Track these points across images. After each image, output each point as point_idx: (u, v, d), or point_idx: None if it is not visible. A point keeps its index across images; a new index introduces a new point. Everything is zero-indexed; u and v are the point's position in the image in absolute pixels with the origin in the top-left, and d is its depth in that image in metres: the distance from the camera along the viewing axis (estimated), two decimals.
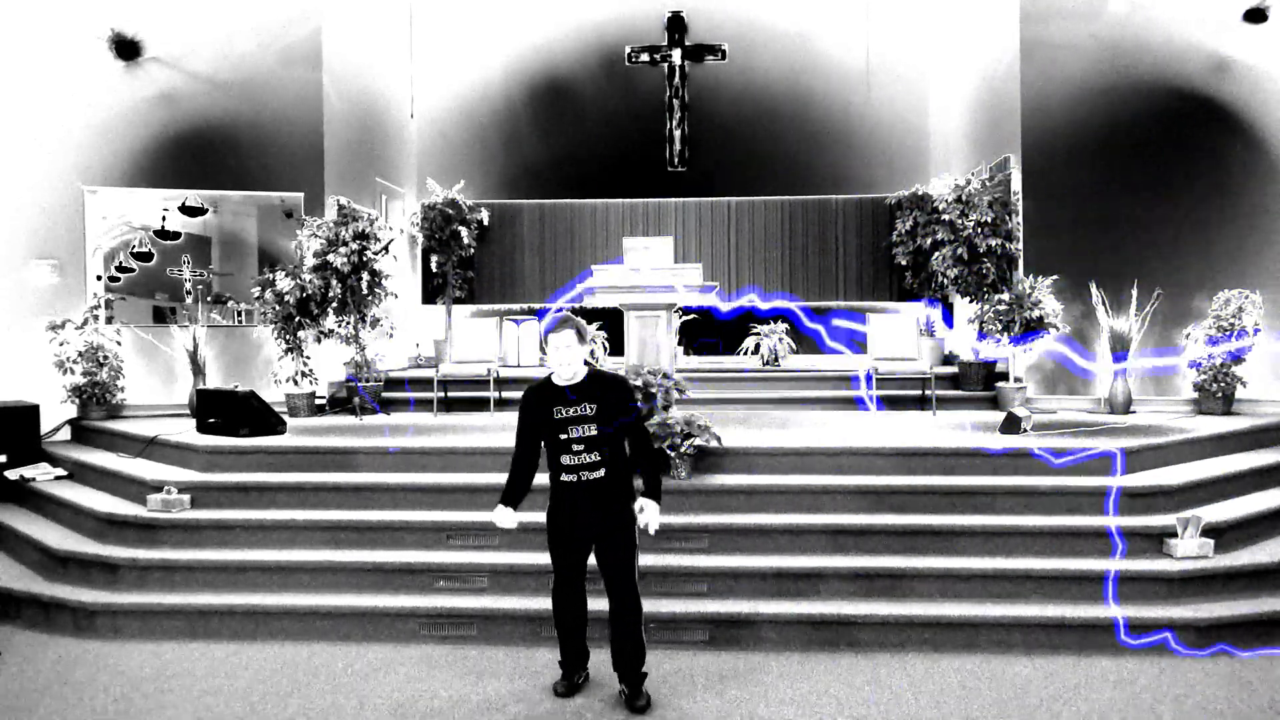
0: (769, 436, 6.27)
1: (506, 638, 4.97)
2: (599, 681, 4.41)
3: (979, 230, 8.10)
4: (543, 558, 5.25)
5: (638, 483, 4.17)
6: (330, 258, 7.82)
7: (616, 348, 9.23)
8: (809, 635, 4.83)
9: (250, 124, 8.45)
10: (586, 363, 4.17)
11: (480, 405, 8.17)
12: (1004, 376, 8.15)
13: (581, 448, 4.05)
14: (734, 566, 5.12)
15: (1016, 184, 8.31)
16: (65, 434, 7.91)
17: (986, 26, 9.17)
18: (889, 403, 8.09)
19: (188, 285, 8.41)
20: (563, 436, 4.06)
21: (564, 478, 4.10)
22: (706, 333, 10.45)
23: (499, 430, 6.87)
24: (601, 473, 4.07)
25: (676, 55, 11.24)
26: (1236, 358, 7.39)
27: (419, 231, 10.45)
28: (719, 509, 5.56)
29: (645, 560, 5.20)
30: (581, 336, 4.10)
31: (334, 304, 7.91)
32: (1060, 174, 8.08)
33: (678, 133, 11.31)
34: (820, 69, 11.15)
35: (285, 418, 7.17)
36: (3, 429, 7.06)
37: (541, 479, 4.29)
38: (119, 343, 8.10)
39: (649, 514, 4.07)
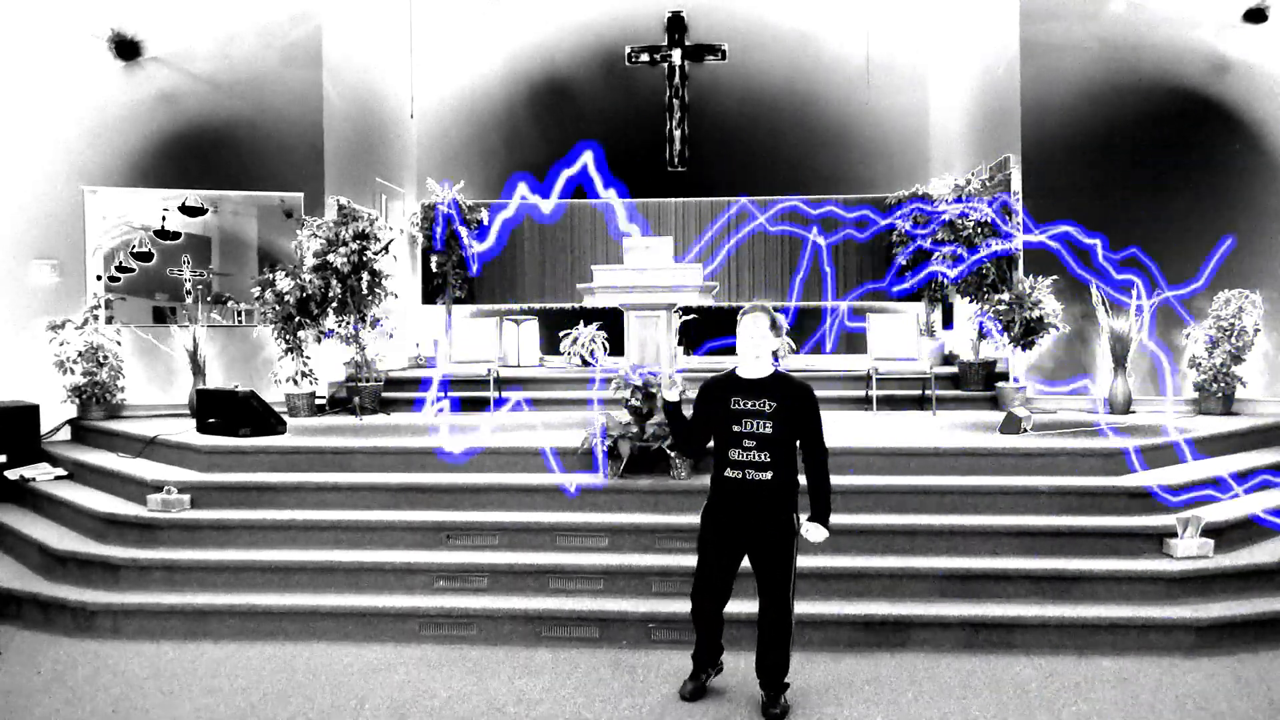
0: None
1: (506, 638, 4.97)
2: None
3: (979, 230, 8.10)
4: (542, 558, 5.28)
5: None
6: (330, 258, 7.82)
7: (616, 347, 9.22)
8: (810, 636, 4.83)
9: (250, 124, 8.45)
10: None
11: (480, 405, 8.17)
12: (1004, 376, 8.15)
13: (753, 444, 3.89)
14: None
15: (1016, 184, 8.30)
16: (65, 434, 7.91)
17: (986, 26, 9.17)
18: (889, 403, 8.09)
19: (188, 285, 8.41)
20: (735, 429, 3.91)
21: (729, 473, 3.94)
22: (707, 332, 10.43)
23: (499, 430, 6.87)
24: (769, 475, 3.89)
25: (676, 55, 11.23)
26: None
27: (419, 231, 10.45)
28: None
29: (648, 561, 5.22)
30: (775, 326, 3.97)
31: (334, 304, 7.91)
32: (1060, 174, 8.08)
33: (678, 133, 11.31)
34: (820, 69, 11.15)
35: (285, 418, 7.17)
36: (3, 429, 7.06)
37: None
38: (119, 343, 8.10)
39: (814, 534, 3.99)
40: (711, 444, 4.12)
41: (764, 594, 4.04)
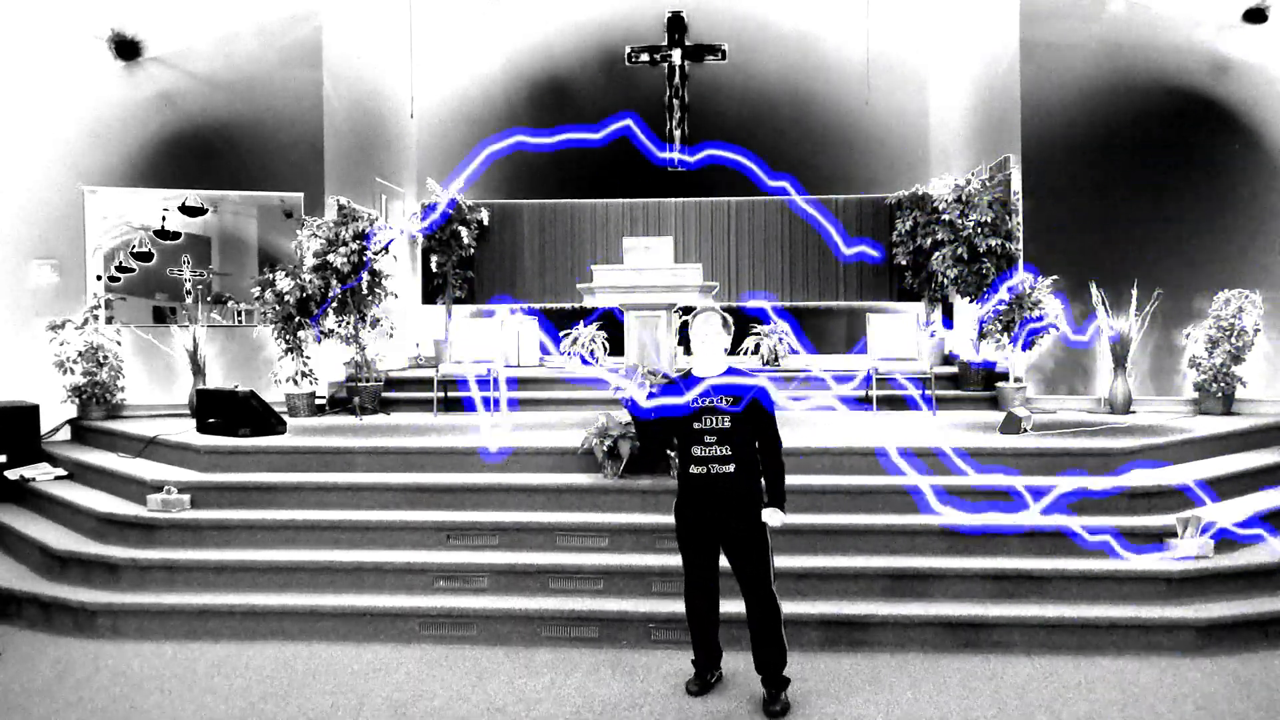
0: None
1: (506, 638, 4.97)
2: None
3: (979, 230, 8.11)
4: (542, 558, 5.28)
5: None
6: (330, 258, 7.82)
7: (616, 347, 9.23)
8: (809, 635, 4.83)
9: (250, 124, 8.45)
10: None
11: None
12: (1004, 376, 8.15)
13: (714, 439, 4.03)
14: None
15: (1016, 184, 8.31)
16: (65, 434, 7.91)
17: (986, 26, 9.17)
18: (888, 403, 8.09)
19: (188, 285, 8.41)
20: (696, 426, 4.05)
21: (693, 470, 4.08)
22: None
23: (499, 430, 6.87)
24: (731, 468, 4.02)
25: (676, 55, 11.24)
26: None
27: (419, 231, 10.44)
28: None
29: (648, 561, 5.22)
30: (726, 325, 4.14)
31: (334, 304, 7.91)
32: (1060, 174, 8.08)
33: (678, 133, 11.31)
34: (820, 69, 11.15)
35: (285, 418, 7.17)
36: (3, 429, 7.06)
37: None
38: (119, 343, 8.10)
39: (772, 519, 4.08)
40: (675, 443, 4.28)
41: (747, 592, 4.11)
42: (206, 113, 8.40)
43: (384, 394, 8.25)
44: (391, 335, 8.57)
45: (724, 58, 11.21)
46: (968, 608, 4.88)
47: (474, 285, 10.82)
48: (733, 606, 4.43)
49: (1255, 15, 7.74)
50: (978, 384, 8.27)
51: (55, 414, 7.84)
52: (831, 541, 5.30)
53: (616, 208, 10.88)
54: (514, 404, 8.09)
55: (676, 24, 11.23)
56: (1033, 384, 8.12)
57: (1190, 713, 4.06)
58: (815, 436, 6.36)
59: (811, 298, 10.53)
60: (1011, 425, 6.40)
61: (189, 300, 8.41)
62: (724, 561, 4.25)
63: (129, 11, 8.17)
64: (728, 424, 4.03)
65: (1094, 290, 7.81)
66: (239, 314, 8.52)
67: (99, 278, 8.22)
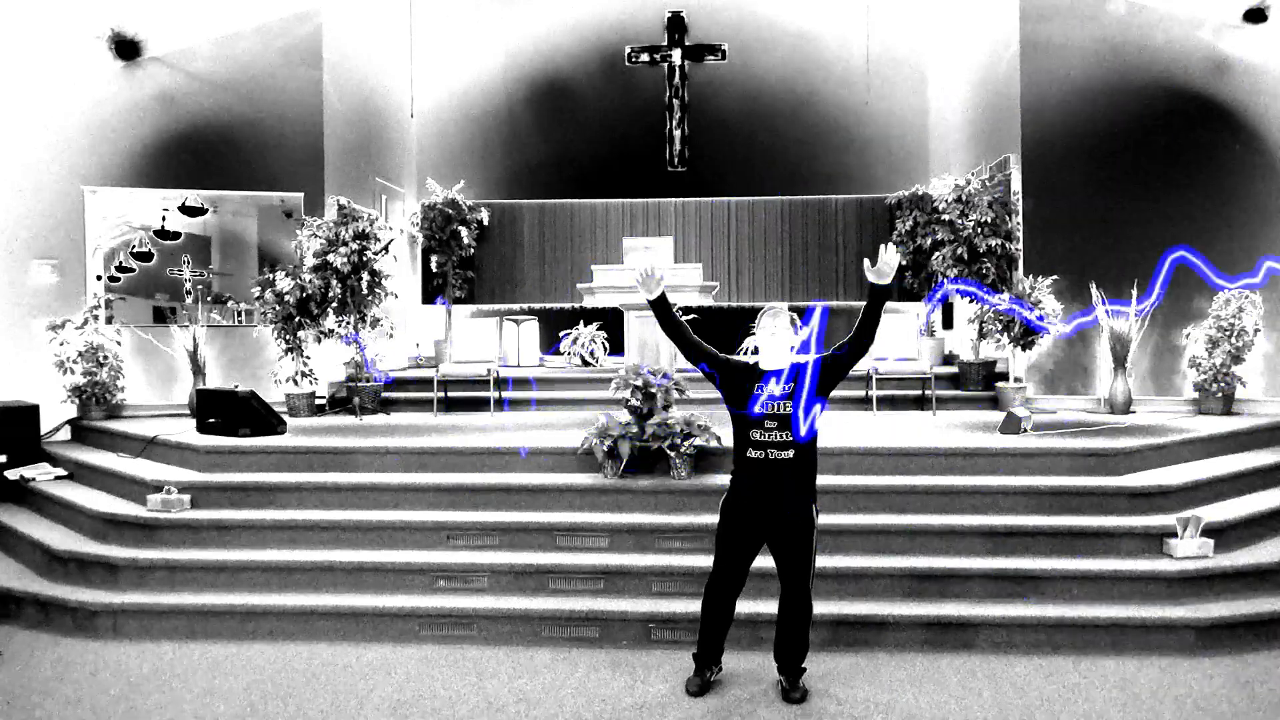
0: None
1: (506, 638, 4.97)
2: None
3: (979, 230, 8.10)
4: (542, 558, 5.28)
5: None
6: (330, 258, 7.82)
7: (616, 347, 9.23)
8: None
9: (250, 124, 8.45)
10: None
11: (480, 405, 8.17)
12: (1004, 376, 8.15)
13: (774, 425, 4.04)
14: None
15: (1016, 184, 8.31)
16: (65, 434, 7.91)
17: (986, 26, 9.17)
18: (889, 403, 8.09)
19: (188, 285, 8.41)
20: (758, 411, 4.06)
21: (751, 454, 4.06)
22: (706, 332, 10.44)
23: (499, 430, 6.88)
24: (791, 454, 4.02)
25: (676, 55, 11.24)
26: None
27: (419, 231, 10.45)
28: (719, 509, 5.54)
29: (648, 561, 5.22)
30: (794, 323, 4.16)
31: (334, 304, 7.91)
32: (1060, 174, 8.08)
33: (678, 133, 11.31)
34: (820, 69, 11.16)
35: (285, 418, 7.17)
36: (3, 429, 7.06)
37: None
38: (119, 343, 8.10)
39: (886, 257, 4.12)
40: (731, 431, 4.24)
41: (786, 584, 4.13)
42: (206, 113, 8.41)
43: (384, 394, 8.25)
44: (391, 335, 8.57)
45: (724, 57, 11.22)
46: (967, 607, 4.88)
47: (474, 285, 10.83)
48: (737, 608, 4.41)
49: (1255, 15, 7.74)
50: (978, 384, 8.26)
51: (55, 414, 7.84)
52: (830, 541, 5.28)
53: (616, 208, 10.88)
54: (506, 404, 8.12)
55: (676, 24, 11.24)
56: (1033, 384, 8.12)
57: (1190, 713, 4.06)
58: None
59: (811, 297, 10.53)
60: (1011, 425, 6.40)
61: (189, 300, 8.42)
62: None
63: (129, 11, 8.17)
64: (790, 409, 4.04)
65: (1094, 290, 7.81)
66: (239, 314, 8.52)
67: (99, 278, 8.22)
